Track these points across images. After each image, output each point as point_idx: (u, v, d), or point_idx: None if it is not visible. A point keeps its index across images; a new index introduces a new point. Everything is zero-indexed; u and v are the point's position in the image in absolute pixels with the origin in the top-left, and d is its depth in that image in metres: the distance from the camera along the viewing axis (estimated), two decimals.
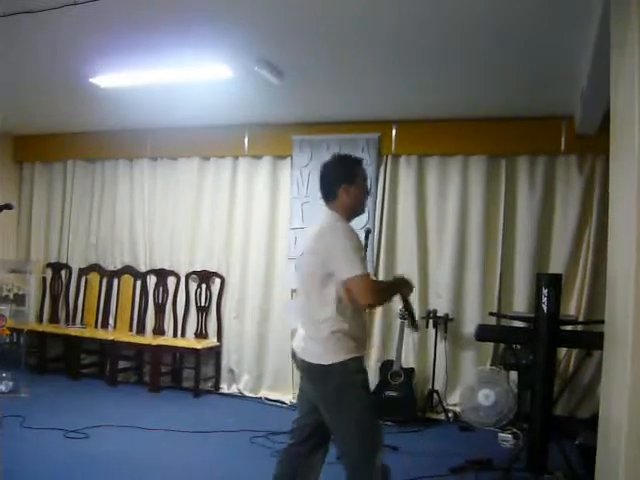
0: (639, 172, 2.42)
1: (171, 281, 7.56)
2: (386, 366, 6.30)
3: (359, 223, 6.45)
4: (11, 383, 6.47)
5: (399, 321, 6.32)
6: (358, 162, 3.49)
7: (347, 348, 3.13)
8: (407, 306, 3.63)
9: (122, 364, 7.44)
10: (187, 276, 7.47)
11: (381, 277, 6.56)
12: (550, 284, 4.51)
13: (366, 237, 5.40)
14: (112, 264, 7.92)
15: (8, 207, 4.92)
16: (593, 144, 5.79)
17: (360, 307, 3.21)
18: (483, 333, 5.45)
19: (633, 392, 2.41)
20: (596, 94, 4.43)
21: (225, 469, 4.71)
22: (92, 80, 5.67)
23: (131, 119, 7.17)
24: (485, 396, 5.97)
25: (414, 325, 3.88)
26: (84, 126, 7.66)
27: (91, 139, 7.89)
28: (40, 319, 8.12)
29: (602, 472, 3.01)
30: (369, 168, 6.61)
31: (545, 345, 4.53)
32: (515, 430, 5.67)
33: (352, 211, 3.34)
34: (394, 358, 6.26)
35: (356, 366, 3.17)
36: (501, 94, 5.62)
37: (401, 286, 3.43)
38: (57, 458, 4.73)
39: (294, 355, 3.37)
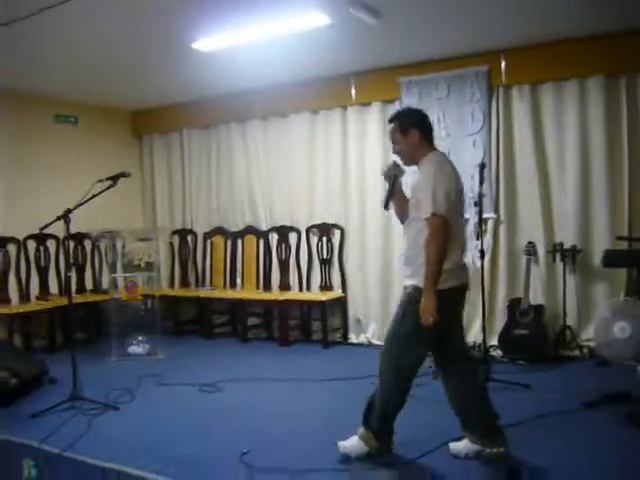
0: None
1: (292, 237, 7.66)
2: (514, 304, 6.13)
3: (477, 159, 6.26)
4: (148, 346, 6.80)
5: (525, 258, 6.13)
6: None
7: None
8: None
9: (252, 321, 7.66)
10: (307, 230, 7.53)
11: (502, 213, 6.42)
12: None
13: (481, 171, 5.25)
14: (234, 226, 8.14)
15: (124, 175, 5.16)
16: None
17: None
18: (611, 259, 5.19)
19: None
20: None
21: (353, 411, 4.74)
22: (193, 46, 5.77)
23: (237, 82, 7.28)
24: (621, 329, 5.66)
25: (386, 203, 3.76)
26: (194, 94, 7.87)
27: (202, 106, 8.11)
28: (172, 284, 8.47)
29: None
30: (480, 103, 6.41)
31: None
32: None
33: None
34: (522, 295, 6.09)
35: None
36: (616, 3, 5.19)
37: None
38: (191, 410, 4.93)
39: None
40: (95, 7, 4.73)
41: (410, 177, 4.07)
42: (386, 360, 3.70)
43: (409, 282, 3.61)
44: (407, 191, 3.85)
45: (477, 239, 5.44)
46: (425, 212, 3.47)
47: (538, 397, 4.83)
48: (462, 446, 3.73)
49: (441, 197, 3.44)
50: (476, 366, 3.98)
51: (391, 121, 3.76)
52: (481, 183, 5.21)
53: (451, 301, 3.58)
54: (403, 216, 3.82)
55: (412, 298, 3.54)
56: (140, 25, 5.22)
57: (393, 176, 3.72)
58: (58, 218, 4.96)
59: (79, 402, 4.91)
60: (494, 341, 6.20)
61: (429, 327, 3.40)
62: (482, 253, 5.25)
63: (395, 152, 3.76)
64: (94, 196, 5.03)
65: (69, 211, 4.95)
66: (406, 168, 3.79)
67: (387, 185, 3.76)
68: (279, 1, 4.78)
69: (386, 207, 3.73)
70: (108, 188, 5.06)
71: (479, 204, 5.18)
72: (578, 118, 6.10)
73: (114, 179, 5.10)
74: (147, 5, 4.78)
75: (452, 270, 3.54)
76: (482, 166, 5.31)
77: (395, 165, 3.76)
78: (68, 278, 5.42)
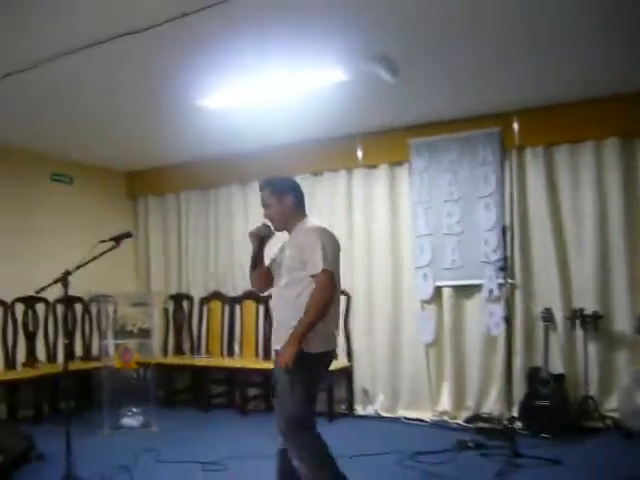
0: None
1: None
2: (533, 373, 5.85)
3: (489, 222, 6.10)
4: (142, 418, 6.41)
5: (542, 324, 5.87)
6: None
7: None
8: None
9: (251, 392, 7.24)
10: None
11: (517, 278, 6.14)
12: None
13: (503, 234, 5.05)
14: (233, 291, 7.81)
15: (128, 236, 4.89)
16: None
17: None
18: None
19: None
20: None
21: None
22: (198, 103, 5.60)
23: (240, 141, 7.10)
24: None
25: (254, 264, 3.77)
26: (193, 155, 7.68)
27: (201, 167, 7.91)
28: (165, 351, 8.07)
29: None
30: (492, 165, 6.24)
31: None
32: None
33: None
34: (540, 364, 5.82)
35: None
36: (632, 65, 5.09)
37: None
38: None
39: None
40: (90, 64, 4.59)
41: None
42: (303, 451, 3.51)
43: None
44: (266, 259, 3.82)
45: (498, 305, 5.21)
46: (315, 268, 3.42)
47: (573, 475, 4.52)
48: None
49: (330, 254, 3.46)
50: None
51: (263, 187, 3.77)
52: (505, 247, 5.01)
53: (322, 365, 3.58)
54: (261, 280, 3.80)
55: (297, 363, 3.37)
56: (138, 80, 5.05)
57: (263, 237, 3.74)
58: (57, 280, 4.60)
59: None
60: (513, 412, 5.87)
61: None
62: (507, 320, 5.00)
63: (267, 217, 3.76)
64: (95, 257, 4.71)
65: (68, 273, 4.63)
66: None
67: (255, 246, 3.75)
68: (296, 55, 4.63)
69: (254, 267, 3.75)
70: (111, 249, 4.76)
71: (504, 268, 4.94)
72: (594, 180, 5.94)
73: (117, 239, 4.79)
74: (148, 62, 4.63)
75: (328, 335, 3.56)
76: (504, 229, 5.13)
77: (266, 226, 3.75)
78: (64, 344, 5.03)
